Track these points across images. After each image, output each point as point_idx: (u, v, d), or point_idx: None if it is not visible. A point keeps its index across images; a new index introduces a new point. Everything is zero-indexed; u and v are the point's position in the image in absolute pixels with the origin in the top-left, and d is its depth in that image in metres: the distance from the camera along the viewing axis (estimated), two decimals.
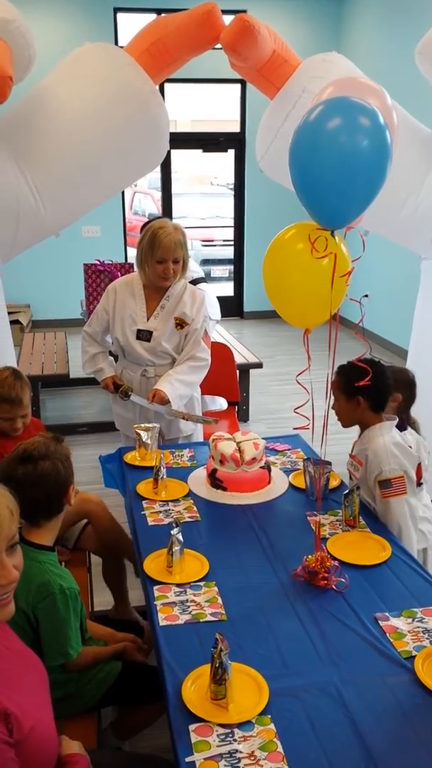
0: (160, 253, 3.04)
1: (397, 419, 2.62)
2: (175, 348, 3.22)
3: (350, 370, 2.54)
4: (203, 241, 11.20)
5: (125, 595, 2.86)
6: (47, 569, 1.93)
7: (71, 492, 2.04)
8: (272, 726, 1.53)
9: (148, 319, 3.18)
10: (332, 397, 2.54)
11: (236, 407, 4.58)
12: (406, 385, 2.85)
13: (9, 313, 3.96)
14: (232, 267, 9.58)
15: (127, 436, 3.40)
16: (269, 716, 1.55)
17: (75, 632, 1.96)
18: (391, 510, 2.40)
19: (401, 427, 2.68)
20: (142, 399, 3.17)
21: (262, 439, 2.75)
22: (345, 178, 1.89)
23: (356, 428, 2.70)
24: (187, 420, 3.28)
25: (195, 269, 4.81)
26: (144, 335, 3.17)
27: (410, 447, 2.63)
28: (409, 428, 2.82)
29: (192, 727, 1.53)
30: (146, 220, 11.78)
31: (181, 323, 3.18)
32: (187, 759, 1.44)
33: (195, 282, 4.31)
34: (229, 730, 1.52)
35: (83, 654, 1.99)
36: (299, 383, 3.09)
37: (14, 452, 2.03)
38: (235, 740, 1.49)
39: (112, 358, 3.40)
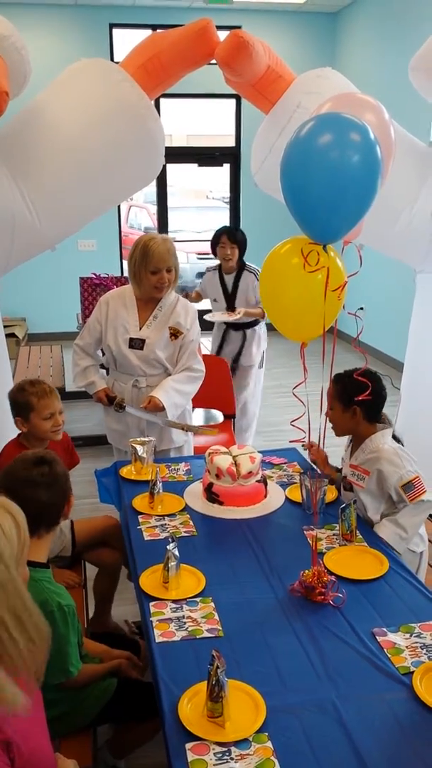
0: (153, 263, 3.07)
1: (392, 429, 2.61)
2: (169, 358, 3.22)
3: (348, 379, 2.53)
4: (199, 254, 11.20)
5: (109, 605, 2.89)
6: (44, 587, 1.91)
7: (71, 503, 2.06)
8: (269, 744, 1.51)
9: (140, 328, 3.19)
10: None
11: (232, 420, 4.56)
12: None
13: (5, 326, 3.96)
14: None
15: (119, 450, 3.39)
16: (266, 734, 1.54)
17: (74, 649, 1.95)
18: (424, 510, 2.44)
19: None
20: (137, 409, 3.16)
21: (259, 452, 2.75)
22: (335, 193, 1.90)
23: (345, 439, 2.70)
24: (186, 431, 3.27)
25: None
26: (136, 344, 3.18)
27: None
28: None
29: (188, 745, 1.51)
30: (142, 234, 11.83)
31: (175, 333, 3.19)
32: None
33: None
34: (225, 749, 1.50)
35: (80, 672, 1.97)
36: (296, 396, 3.09)
37: (20, 458, 2.06)
38: (231, 759, 1.47)
39: (103, 371, 3.39)
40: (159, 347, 3.18)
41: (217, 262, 4.83)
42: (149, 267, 3.08)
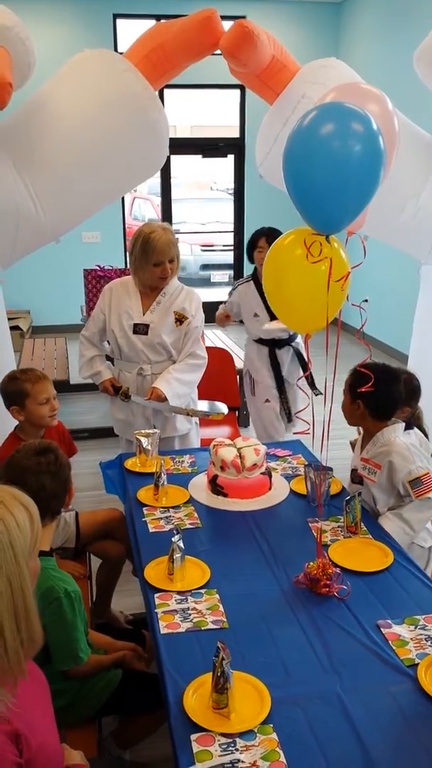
0: (155, 256, 3.07)
1: (404, 423, 2.59)
2: (174, 344, 3.23)
3: (359, 372, 2.52)
4: (203, 246, 11.21)
5: (110, 596, 2.90)
6: (49, 574, 1.92)
7: (72, 494, 2.08)
8: (274, 735, 1.51)
9: (144, 314, 3.20)
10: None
11: (237, 412, 4.56)
12: (412, 395, 2.81)
13: (9, 319, 3.96)
14: (231, 272, 9.58)
15: (126, 441, 3.40)
16: (271, 725, 1.54)
17: (83, 635, 1.96)
18: (430, 506, 2.43)
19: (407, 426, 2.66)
20: (141, 399, 3.17)
21: (263, 444, 2.74)
22: (337, 183, 1.89)
23: (353, 431, 2.70)
24: (192, 416, 3.27)
25: None
26: (141, 329, 3.19)
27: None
28: (415, 428, 2.77)
29: (194, 736, 1.51)
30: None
31: (180, 318, 3.20)
32: None
33: None
34: (230, 740, 1.50)
35: (87, 661, 1.98)
36: (300, 387, 3.08)
37: (23, 448, 2.06)
38: (237, 750, 1.48)
39: (109, 362, 3.40)
40: (164, 332, 3.18)
41: (247, 272, 4.33)
42: (151, 260, 3.08)
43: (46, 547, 2.01)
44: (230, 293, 4.22)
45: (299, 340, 4.12)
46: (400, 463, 2.44)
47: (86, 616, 2.09)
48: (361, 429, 2.73)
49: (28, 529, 1.28)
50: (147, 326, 3.18)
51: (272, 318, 3.95)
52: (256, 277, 4.05)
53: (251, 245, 4.02)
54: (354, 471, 2.65)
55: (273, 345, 4.07)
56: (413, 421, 2.72)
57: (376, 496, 2.52)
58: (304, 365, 4.06)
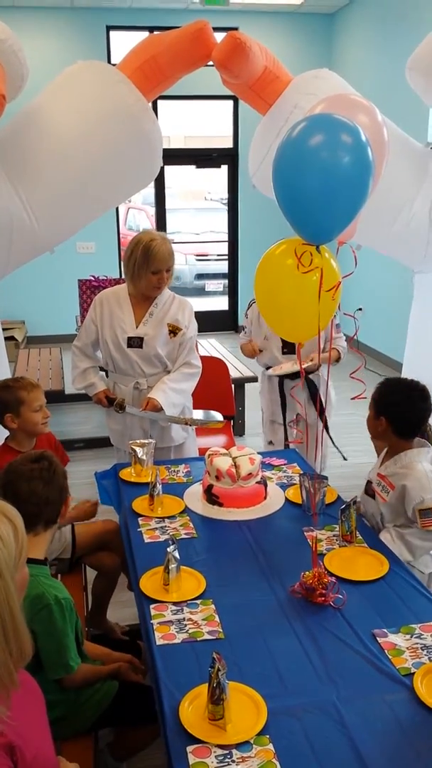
0: (156, 264, 3.06)
1: (430, 449, 2.50)
2: (169, 355, 3.22)
3: (388, 386, 2.48)
4: (197, 255, 11.23)
5: (106, 606, 2.89)
6: (40, 581, 1.91)
7: (68, 503, 2.07)
8: (271, 746, 1.51)
9: (137, 326, 3.19)
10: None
11: (232, 422, 4.56)
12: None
13: (4, 329, 3.97)
14: (226, 281, 9.61)
15: (122, 451, 3.39)
16: (267, 736, 1.53)
17: (73, 643, 1.95)
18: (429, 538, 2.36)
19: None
20: (137, 410, 3.16)
21: (258, 454, 2.74)
22: (327, 194, 1.91)
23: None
24: (189, 425, 3.27)
25: None
26: (135, 342, 3.18)
27: None
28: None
29: (190, 748, 1.51)
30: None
31: (174, 330, 3.19)
32: None
33: None
34: (227, 751, 1.50)
35: (80, 670, 1.97)
36: (294, 397, 3.09)
37: (22, 456, 2.09)
38: (233, 761, 1.47)
39: (102, 373, 3.39)
40: (159, 344, 3.18)
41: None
42: (151, 267, 3.07)
43: (41, 556, 2.00)
44: (246, 314, 3.85)
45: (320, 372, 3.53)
46: (414, 489, 2.35)
47: (82, 626, 2.08)
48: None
49: (12, 540, 1.27)
50: (141, 339, 3.18)
51: (286, 345, 3.53)
52: None
53: None
54: (369, 483, 2.59)
55: (287, 377, 3.61)
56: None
57: (384, 514, 2.47)
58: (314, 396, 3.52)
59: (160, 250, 3.06)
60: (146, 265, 3.07)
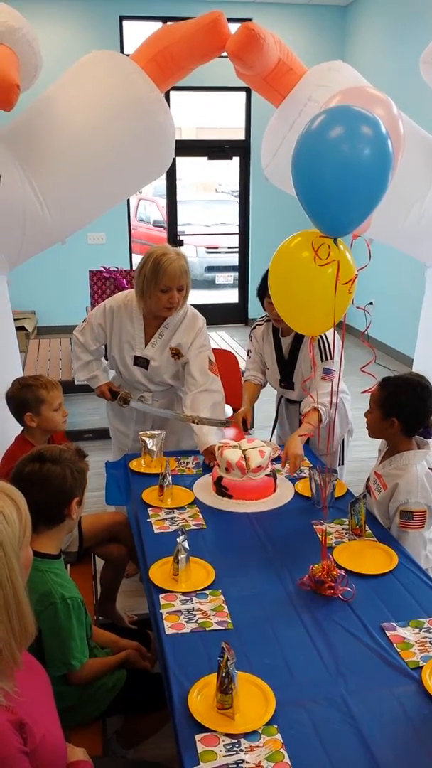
0: (165, 281, 2.86)
1: (428, 451, 2.52)
2: (173, 376, 3.15)
3: (394, 386, 2.45)
4: (208, 248, 11.22)
5: (114, 594, 2.90)
6: (49, 578, 1.91)
7: (74, 505, 1.99)
8: (279, 736, 1.52)
9: (146, 345, 3.09)
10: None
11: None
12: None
13: (15, 319, 3.97)
14: (236, 274, 9.59)
15: (121, 450, 3.35)
16: (276, 726, 1.54)
17: (78, 642, 1.94)
18: (403, 539, 2.36)
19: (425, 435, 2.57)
20: (142, 404, 3.15)
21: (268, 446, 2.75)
22: (346, 186, 1.90)
23: (364, 439, 2.68)
24: (198, 423, 3.24)
25: None
26: (141, 362, 3.10)
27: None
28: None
29: (198, 736, 1.52)
30: (150, 226, 11.55)
31: (177, 353, 3.08)
32: None
33: None
34: (235, 740, 1.51)
35: (88, 666, 1.98)
36: (305, 390, 3.08)
37: (31, 451, 2.05)
38: (241, 750, 1.48)
39: (106, 364, 3.30)
40: (164, 369, 3.10)
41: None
42: (159, 285, 2.88)
43: (53, 551, 2.00)
44: (249, 336, 3.45)
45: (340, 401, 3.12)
46: (403, 489, 2.37)
47: (91, 621, 2.08)
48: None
49: (16, 519, 1.27)
50: (147, 361, 3.09)
51: (284, 379, 3.25)
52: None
53: (262, 292, 3.09)
54: (368, 480, 2.62)
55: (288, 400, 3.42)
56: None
57: (374, 513, 2.48)
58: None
59: (171, 266, 2.84)
60: (155, 281, 2.87)
